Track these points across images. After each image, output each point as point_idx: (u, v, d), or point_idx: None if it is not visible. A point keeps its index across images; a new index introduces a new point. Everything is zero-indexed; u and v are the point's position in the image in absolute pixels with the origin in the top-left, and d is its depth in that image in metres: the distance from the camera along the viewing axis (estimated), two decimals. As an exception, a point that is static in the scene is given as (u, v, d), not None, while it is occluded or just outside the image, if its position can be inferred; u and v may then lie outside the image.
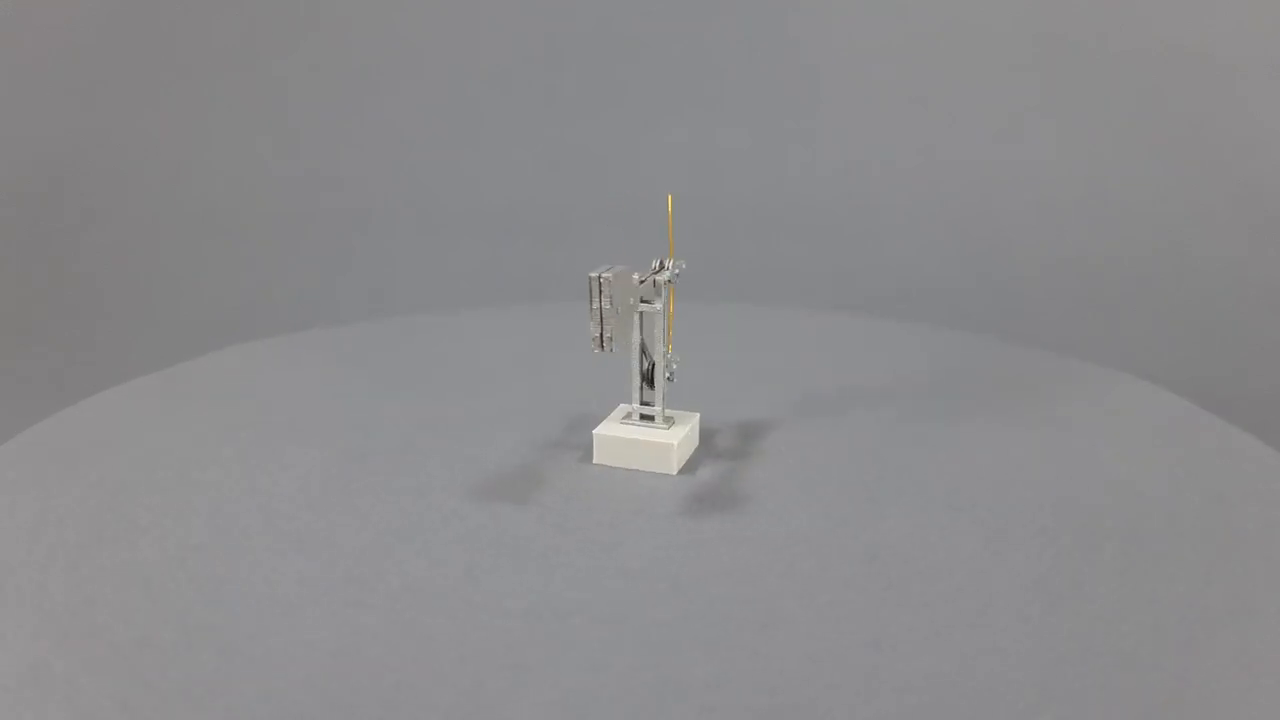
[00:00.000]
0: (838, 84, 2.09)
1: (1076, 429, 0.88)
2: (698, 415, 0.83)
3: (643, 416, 0.81)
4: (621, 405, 0.84)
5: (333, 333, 1.16)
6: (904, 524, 0.71)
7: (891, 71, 2.09)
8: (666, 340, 0.81)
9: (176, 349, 1.22)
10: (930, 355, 1.09)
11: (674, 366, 0.81)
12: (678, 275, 0.80)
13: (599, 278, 0.72)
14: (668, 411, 0.81)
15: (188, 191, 2.13)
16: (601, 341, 0.73)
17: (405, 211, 2.12)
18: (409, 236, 2.09)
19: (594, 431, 0.80)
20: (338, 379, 1.00)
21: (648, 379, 0.81)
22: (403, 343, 1.12)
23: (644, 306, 0.78)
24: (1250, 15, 1.97)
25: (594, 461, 0.81)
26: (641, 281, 0.77)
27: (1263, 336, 1.81)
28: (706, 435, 0.86)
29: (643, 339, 0.80)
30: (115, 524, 0.71)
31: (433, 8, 2.16)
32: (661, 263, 0.80)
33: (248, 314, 1.96)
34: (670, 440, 0.78)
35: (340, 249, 2.08)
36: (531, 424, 0.88)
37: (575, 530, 0.71)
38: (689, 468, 0.80)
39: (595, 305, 0.73)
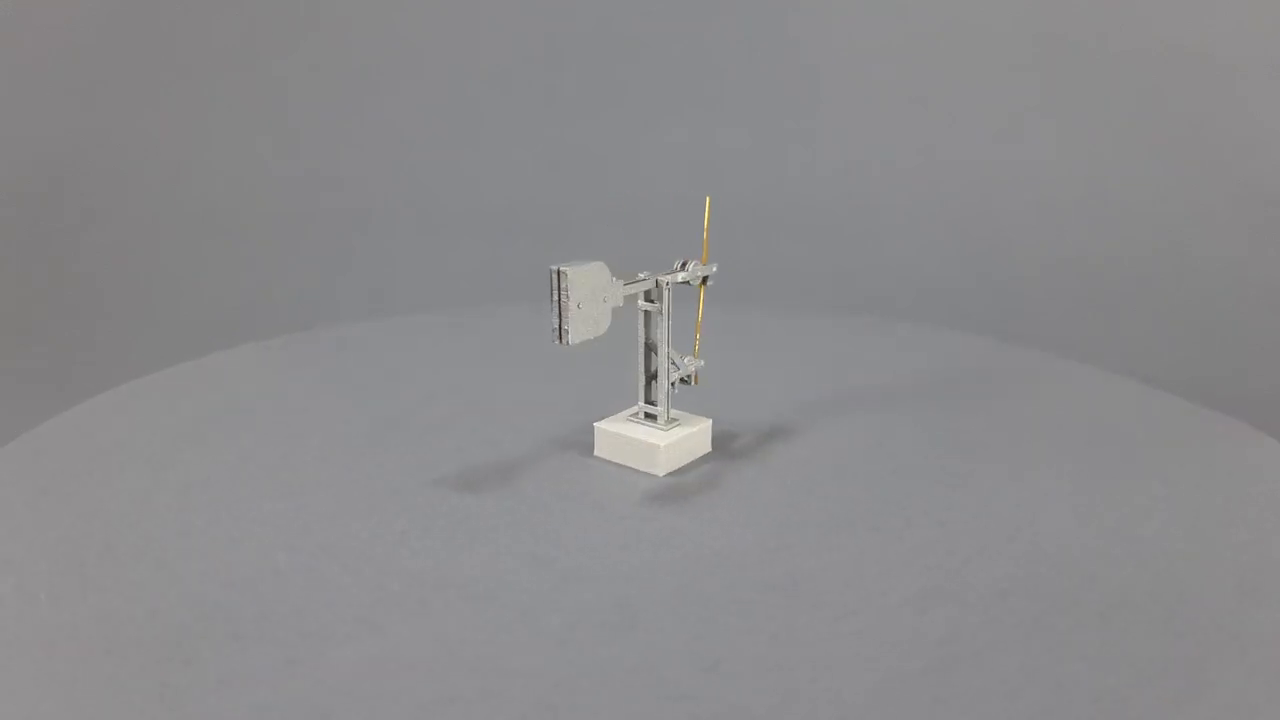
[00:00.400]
0: (838, 84, 2.09)
1: (1075, 435, 0.88)
2: (709, 421, 0.82)
3: (647, 416, 0.81)
4: (641, 404, 0.84)
5: (332, 333, 1.16)
6: (844, 558, 0.67)
7: (891, 71, 2.09)
8: (695, 344, 0.80)
9: (176, 349, 1.22)
10: (930, 355, 1.09)
11: (692, 369, 0.80)
12: (706, 279, 0.80)
13: (557, 271, 0.72)
14: (674, 412, 0.81)
15: (188, 191, 2.13)
16: (560, 334, 0.73)
17: (405, 211, 2.12)
18: (409, 236, 2.09)
19: (595, 424, 0.81)
20: (338, 379, 1.00)
21: (655, 378, 0.80)
22: (403, 343, 1.12)
23: (647, 306, 0.78)
24: (1250, 15, 1.97)
25: (594, 454, 0.81)
26: (631, 282, 0.77)
27: (1263, 336, 1.81)
28: (725, 440, 0.85)
29: (650, 339, 0.79)
30: (116, 514, 0.71)
31: (433, 8, 2.16)
32: (684, 263, 0.79)
33: (248, 314, 1.96)
34: (658, 441, 0.78)
35: (340, 249, 2.08)
36: (550, 419, 0.89)
37: (519, 516, 0.72)
38: (683, 471, 0.80)
39: (554, 298, 0.72)
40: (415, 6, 2.17)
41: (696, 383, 0.81)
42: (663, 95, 2.13)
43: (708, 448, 0.83)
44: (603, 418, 0.83)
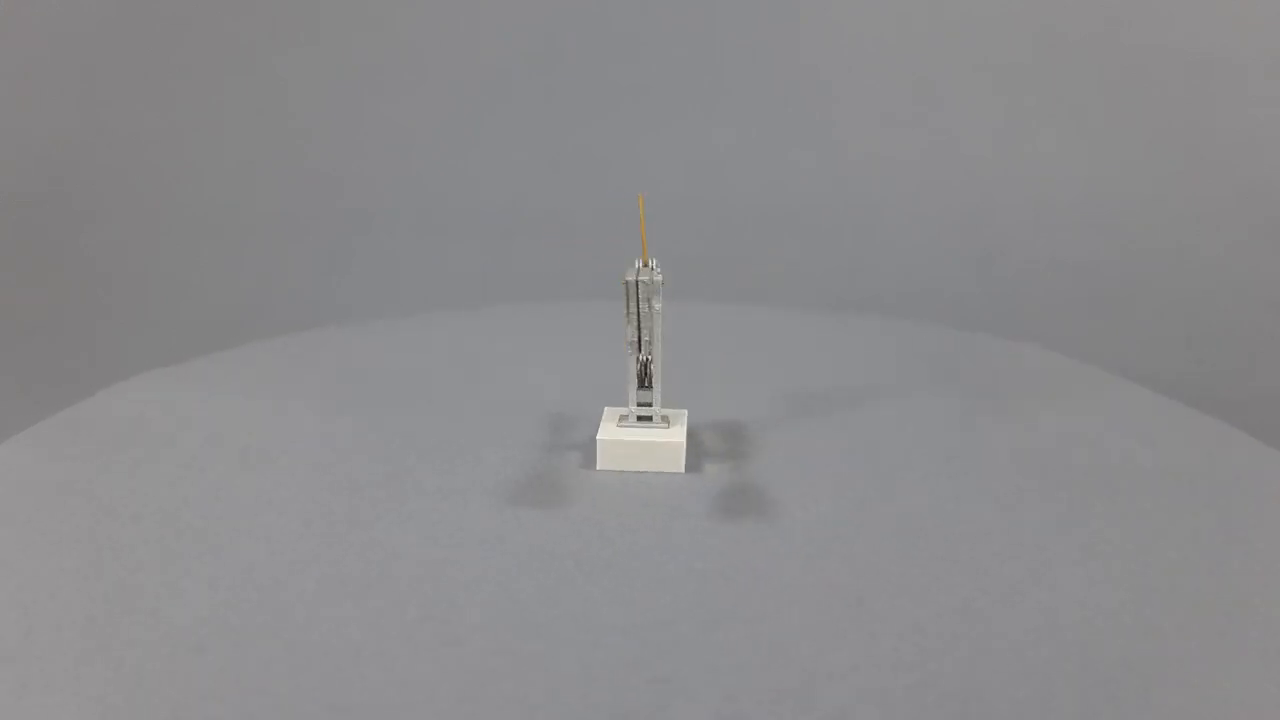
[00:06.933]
0: (838, 84, 2.09)
1: (1075, 431, 0.88)
2: (685, 412, 0.83)
3: (640, 417, 0.81)
4: (607, 408, 0.83)
5: (332, 334, 1.16)
6: (923, 501, 0.74)
7: (892, 71, 2.09)
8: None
9: (177, 349, 1.22)
10: (930, 355, 1.09)
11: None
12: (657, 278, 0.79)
13: (635, 281, 0.72)
14: (662, 410, 0.81)
15: (188, 191, 2.13)
16: (639, 344, 0.74)
17: (405, 211, 2.12)
18: (409, 236, 2.09)
19: (597, 437, 0.79)
20: (336, 381, 1.00)
21: (641, 380, 0.80)
22: (402, 343, 1.12)
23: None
24: (1250, 15, 1.97)
25: (598, 468, 0.79)
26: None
27: (1263, 336, 1.81)
28: (706, 432, 0.85)
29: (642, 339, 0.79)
30: (120, 550, 0.71)
31: (433, 8, 2.16)
32: (645, 263, 0.78)
33: (248, 314, 1.96)
34: (678, 439, 0.78)
35: (340, 249, 2.08)
36: (511, 429, 0.87)
37: (628, 537, 0.70)
38: (693, 466, 0.80)
39: (632, 309, 0.72)
40: (415, 6, 2.17)
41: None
42: (662, 95, 2.13)
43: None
44: (563, 424, 0.81)
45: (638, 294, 0.72)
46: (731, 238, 2.02)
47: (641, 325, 0.73)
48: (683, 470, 0.78)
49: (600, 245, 1.94)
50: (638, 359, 0.80)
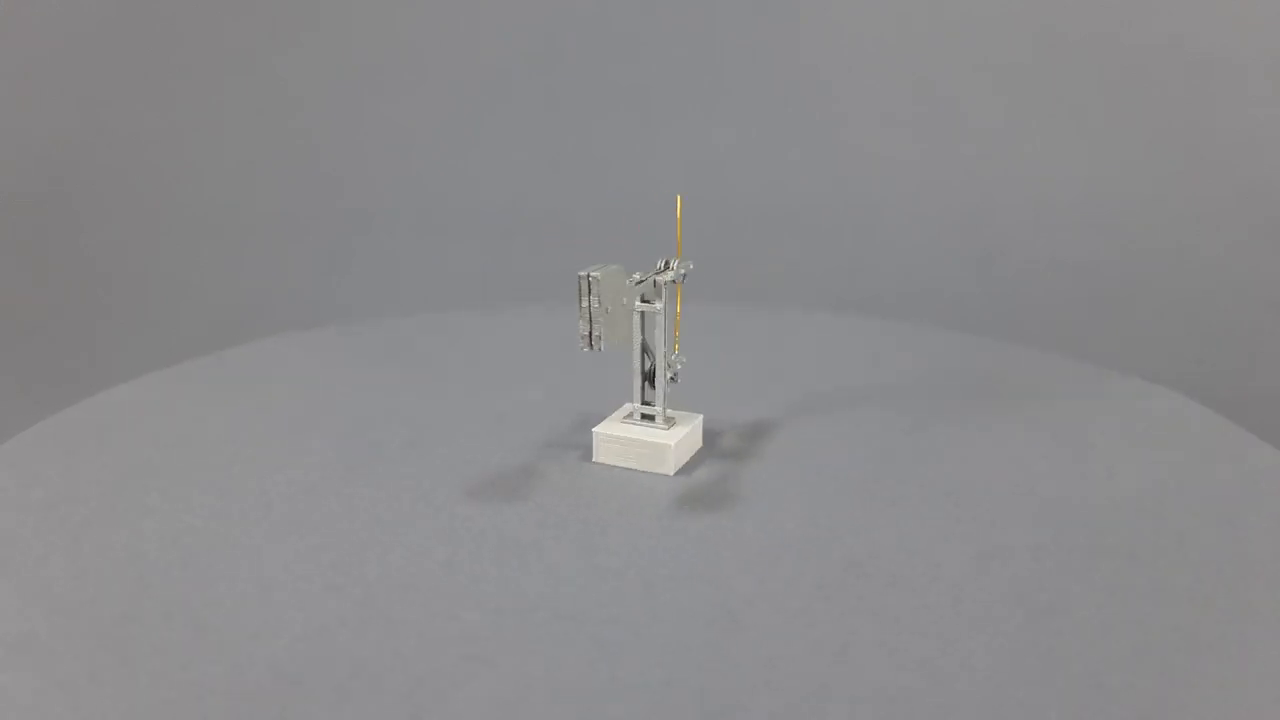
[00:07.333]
0: (838, 84, 2.09)
1: (1077, 429, 0.88)
2: (700, 417, 0.83)
3: (644, 416, 0.81)
4: (626, 404, 0.84)
5: (332, 333, 1.16)
6: (892, 533, 0.70)
7: (892, 71, 2.09)
8: (673, 340, 0.81)
9: (176, 349, 1.22)
10: (930, 355, 1.09)
11: (678, 367, 0.81)
12: (684, 276, 0.80)
13: (587, 276, 0.72)
14: (670, 412, 0.81)
15: (188, 191, 2.13)
16: (590, 340, 0.74)
17: (405, 211, 2.12)
18: (409, 236, 2.09)
19: (593, 430, 0.80)
20: (338, 379, 1.00)
21: (649, 379, 0.81)
22: (404, 343, 1.12)
23: (644, 306, 0.78)
24: (1250, 15, 1.97)
25: (594, 460, 0.81)
26: (640, 281, 0.77)
27: (1263, 336, 1.81)
28: (710, 436, 0.85)
29: (644, 339, 0.80)
30: (114, 517, 0.71)
31: (433, 8, 2.16)
32: (666, 263, 0.80)
33: (248, 314, 1.96)
34: (667, 441, 0.79)
35: (340, 249, 2.08)
36: (537, 423, 0.88)
37: (560, 527, 0.71)
38: (688, 468, 0.80)
39: (584, 304, 0.73)
40: (415, 6, 2.17)
41: (676, 380, 0.82)
42: (663, 95, 2.13)
43: (700, 443, 0.84)
44: (587, 418, 0.83)
45: (589, 291, 0.72)
46: (731, 238, 2.02)
47: (594, 321, 0.73)
48: (670, 473, 0.79)
49: (600, 245, 1.94)
50: (644, 360, 0.80)
